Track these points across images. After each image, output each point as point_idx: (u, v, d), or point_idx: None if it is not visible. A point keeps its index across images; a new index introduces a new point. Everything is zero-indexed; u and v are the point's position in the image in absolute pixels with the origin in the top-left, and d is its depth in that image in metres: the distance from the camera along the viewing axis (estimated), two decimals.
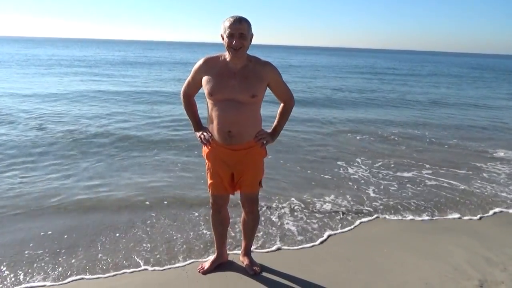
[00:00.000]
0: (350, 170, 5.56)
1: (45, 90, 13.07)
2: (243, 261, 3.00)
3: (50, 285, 2.76)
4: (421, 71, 34.69)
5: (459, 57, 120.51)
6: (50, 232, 3.51)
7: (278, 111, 2.71)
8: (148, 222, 3.79)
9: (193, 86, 2.64)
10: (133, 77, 19.37)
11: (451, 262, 3.10)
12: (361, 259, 3.14)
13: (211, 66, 2.49)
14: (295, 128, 8.14)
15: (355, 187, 4.91)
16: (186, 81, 2.67)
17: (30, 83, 15.24)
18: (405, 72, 31.86)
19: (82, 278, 2.85)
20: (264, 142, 2.61)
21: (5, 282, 2.78)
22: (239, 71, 2.44)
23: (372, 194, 4.66)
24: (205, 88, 2.48)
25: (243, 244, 3.02)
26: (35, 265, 3.00)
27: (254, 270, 2.91)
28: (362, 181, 5.11)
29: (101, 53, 46.54)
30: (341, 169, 5.62)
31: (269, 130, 2.69)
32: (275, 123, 2.71)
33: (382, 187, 4.93)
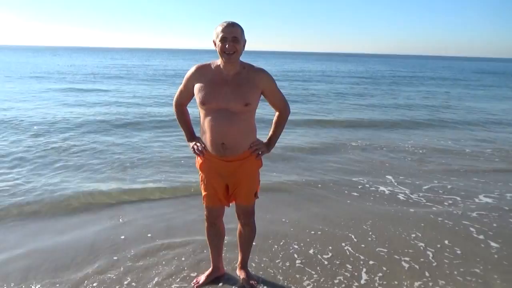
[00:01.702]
0: None
1: None
2: (240, 275, 2.90)
3: None
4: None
5: (456, 61, 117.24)
6: None
7: (274, 120, 2.61)
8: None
9: (186, 95, 2.55)
10: None
11: None
12: None
13: (203, 73, 2.40)
14: None
15: None
16: (179, 90, 2.59)
17: None
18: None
19: None
20: (260, 153, 2.52)
21: None
22: (232, 78, 2.34)
23: None
24: (197, 97, 2.39)
25: (239, 257, 2.92)
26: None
27: (251, 284, 2.81)
28: None
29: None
30: None
31: (265, 140, 2.59)
32: (270, 133, 2.62)
33: None
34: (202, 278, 2.86)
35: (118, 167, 5.67)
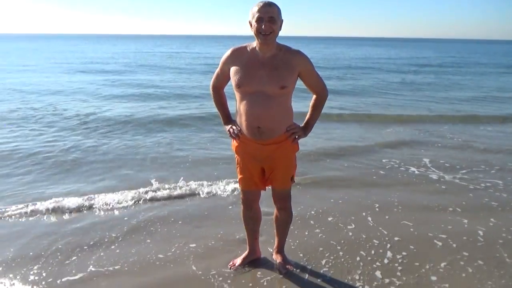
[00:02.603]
0: None
1: None
2: (276, 259, 2.90)
3: None
4: None
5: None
6: None
7: (311, 104, 2.55)
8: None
9: (222, 78, 2.54)
10: None
11: None
12: None
13: (238, 56, 2.37)
14: None
15: None
16: (215, 73, 2.58)
17: None
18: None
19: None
20: (296, 137, 2.47)
21: None
22: (267, 60, 2.29)
23: None
24: (232, 80, 2.37)
25: (276, 241, 2.91)
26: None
27: (287, 269, 2.80)
28: None
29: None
30: None
31: (302, 124, 2.54)
32: (307, 116, 2.56)
33: None
34: (238, 261, 2.88)
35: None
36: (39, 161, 5.28)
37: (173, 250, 3.12)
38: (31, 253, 3.05)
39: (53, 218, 3.69)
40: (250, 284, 2.70)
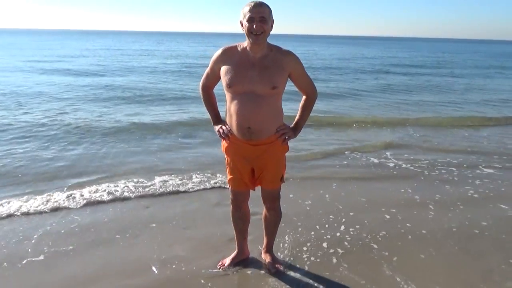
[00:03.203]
0: None
1: None
2: (265, 258, 2.91)
3: None
4: None
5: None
6: None
7: (300, 105, 2.56)
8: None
9: (212, 78, 2.53)
10: None
11: None
12: None
13: (229, 56, 2.36)
14: None
15: None
16: (205, 73, 2.56)
17: None
18: None
19: None
20: (286, 137, 2.48)
21: None
22: (258, 60, 2.30)
23: None
24: (223, 80, 2.36)
25: (264, 241, 2.92)
26: None
27: (276, 268, 2.82)
28: None
29: None
30: None
31: (291, 125, 2.56)
32: (297, 117, 2.57)
33: None
34: (227, 261, 2.88)
35: None
36: None
37: (160, 251, 3.08)
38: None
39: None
40: (241, 284, 2.70)
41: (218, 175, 4.70)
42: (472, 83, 16.76)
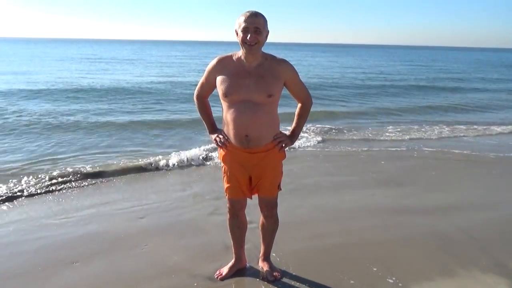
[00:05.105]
0: None
1: None
2: (262, 267, 2.90)
3: None
4: None
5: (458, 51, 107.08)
6: None
7: (296, 112, 2.59)
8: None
9: (207, 87, 2.54)
10: None
11: None
12: None
13: (224, 65, 2.37)
14: None
15: None
16: (200, 83, 2.57)
17: None
18: None
19: None
20: (283, 145, 2.49)
21: None
22: (254, 69, 2.32)
23: None
24: (219, 89, 2.37)
25: (262, 249, 2.91)
26: None
27: (274, 276, 2.81)
28: None
29: None
30: None
31: (288, 132, 2.58)
32: (293, 125, 2.60)
33: None
34: (225, 270, 2.86)
35: None
36: None
37: (156, 262, 3.05)
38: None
39: None
40: None
41: (214, 182, 4.68)
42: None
